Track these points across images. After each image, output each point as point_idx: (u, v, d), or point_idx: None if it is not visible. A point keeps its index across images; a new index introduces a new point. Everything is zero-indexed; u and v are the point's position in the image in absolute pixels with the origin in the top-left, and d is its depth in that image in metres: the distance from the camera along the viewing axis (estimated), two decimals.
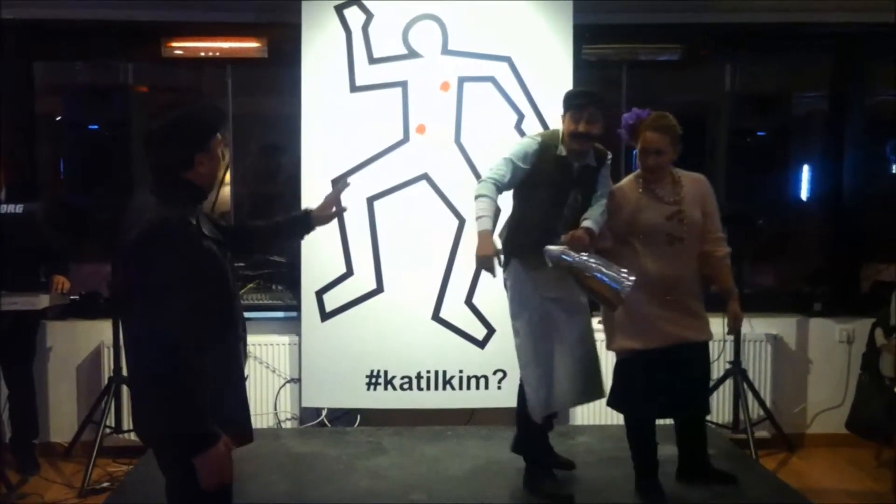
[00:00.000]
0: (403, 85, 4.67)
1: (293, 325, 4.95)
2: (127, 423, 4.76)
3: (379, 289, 4.71)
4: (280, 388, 5.02)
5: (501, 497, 3.79)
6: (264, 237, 2.95)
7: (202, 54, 5.24)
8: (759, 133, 4.76)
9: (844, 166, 5.43)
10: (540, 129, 4.39)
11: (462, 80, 4.68)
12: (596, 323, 3.84)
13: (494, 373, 4.72)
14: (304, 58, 4.67)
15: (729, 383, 4.98)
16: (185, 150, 2.37)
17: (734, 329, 3.86)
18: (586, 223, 3.53)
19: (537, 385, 3.61)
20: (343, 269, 4.70)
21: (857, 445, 4.95)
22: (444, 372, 4.73)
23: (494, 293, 4.50)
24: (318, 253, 4.69)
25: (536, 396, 3.62)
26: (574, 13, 4.70)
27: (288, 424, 5.02)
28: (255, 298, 5.21)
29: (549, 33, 4.70)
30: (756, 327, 5.08)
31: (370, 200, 4.69)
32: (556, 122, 3.69)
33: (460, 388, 4.74)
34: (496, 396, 4.72)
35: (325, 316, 4.71)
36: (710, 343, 3.75)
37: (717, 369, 4.82)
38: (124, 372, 4.45)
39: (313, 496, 3.80)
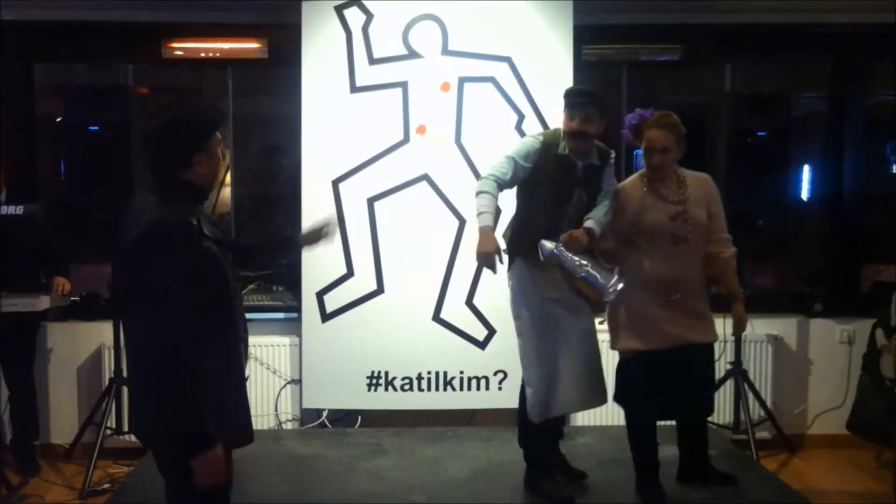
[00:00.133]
0: (403, 85, 4.67)
1: (294, 326, 4.94)
2: (127, 424, 4.76)
3: (379, 290, 4.71)
4: (281, 390, 5.01)
5: (502, 498, 3.79)
6: (248, 256, 2.99)
7: (202, 55, 5.23)
8: (759, 133, 4.76)
9: (844, 167, 5.43)
10: (540, 130, 4.38)
11: (462, 81, 4.68)
12: (598, 323, 3.84)
13: (495, 374, 4.72)
14: (305, 58, 4.67)
15: (730, 384, 4.97)
16: (184, 150, 2.37)
17: (739, 332, 3.84)
18: (588, 223, 3.52)
19: (538, 386, 3.61)
20: (343, 270, 4.70)
21: (857, 446, 4.94)
22: (445, 373, 4.72)
23: (495, 294, 4.51)
24: (319, 254, 4.64)
25: (537, 397, 3.61)
26: (574, 13, 4.70)
27: (288, 426, 5.02)
28: (256, 299, 5.21)
29: (550, 33, 4.70)
30: (757, 328, 5.08)
31: (370, 201, 4.69)
32: (557, 122, 3.69)
33: (461, 389, 4.73)
34: (497, 397, 4.72)
35: (325, 317, 4.71)
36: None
37: (718, 370, 4.79)
38: (125, 373, 4.45)
39: (314, 497, 3.79)
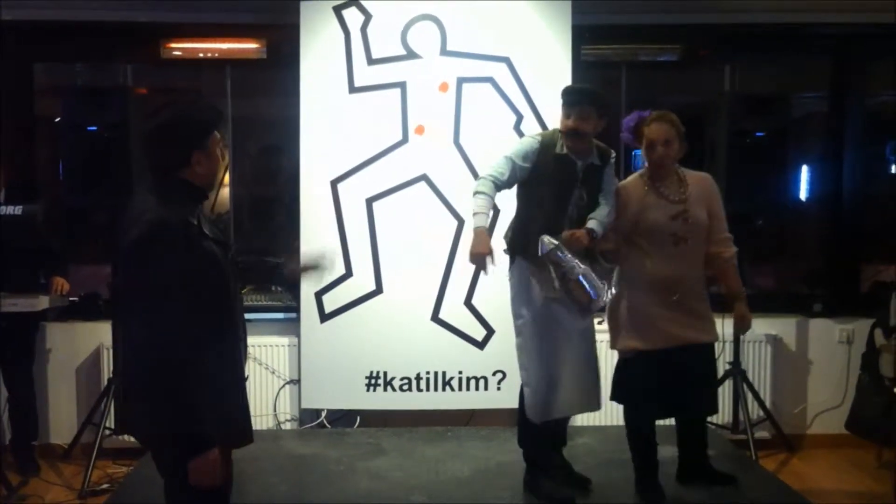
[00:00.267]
0: (402, 86, 4.67)
1: (292, 326, 4.94)
2: (117, 424, 4.73)
3: (378, 290, 4.71)
4: (279, 390, 5.01)
5: (502, 498, 3.79)
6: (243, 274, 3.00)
7: (201, 55, 5.23)
8: (758, 134, 4.77)
9: (844, 167, 5.42)
10: (539, 130, 4.38)
11: (461, 81, 4.68)
12: (597, 324, 3.84)
13: (494, 374, 4.72)
14: (303, 59, 4.68)
15: (729, 384, 4.97)
16: (182, 149, 2.36)
17: (742, 331, 3.82)
18: (590, 224, 3.52)
19: (537, 386, 3.60)
20: (342, 271, 4.70)
21: (856, 446, 4.95)
22: (444, 373, 4.72)
23: (494, 294, 4.51)
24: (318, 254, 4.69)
25: (536, 397, 3.61)
26: (573, 13, 4.70)
27: (287, 426, 5.02)
28: (255, 299, 5.21)
29: (548, 34, 4.70)
30: (756, 328, 4.99)
31: (369, 201, 4.69)
32: (556, 122, 3.68)
33: (460, 389, 4.73)
34: (496, 397, 4.72)
35: (324, 317, 4.71)
36: None
37: (717, 370, 4.81)
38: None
39: (313, 497, 3.79)
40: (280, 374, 5.02)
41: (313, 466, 4.21)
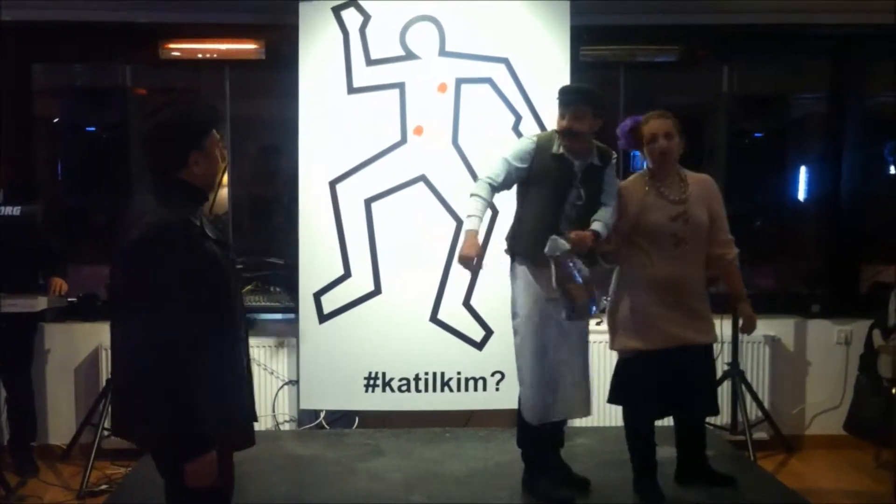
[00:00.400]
0: (401, 86, 4.67)
1: (291, 326, 4.94)
2: (112, 425, 4.72)
3: (377, 290, 4.71)
4: (278, 390, 5.01)
5: (500, 498, 3.79)
6: None
7: (200, 56, 5.22)
8: (757, 134, 4.77)
9: (843, 167, 5.42)
10: (537, 131, 4.38)
11: (459, 82, 4.68)
12: (595, 324, 3.84)
13: (492, 374, 4.72)
14: (302, 59, 4.67)
15: (727, 385, 4.97)
16: (179, 149, 2.34)
17: (748, 332, 3.82)
18: (595, 226, 3.52)
19: (536, 387, 3.60)
20: (341, 271, 4.70)
21: (855, 447, 4.95)
22: (443, 374, 4.72)
23: (492, 295, 4.52)
24: (316, 255, 4.70)
25: (534, 399, 3.61)
26: (571, 14, 4.70)
27: (286, 426, 5.02)
28: (254, 300, 5.20)
29: (547, 34, 4.70)
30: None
31: (368, 202, 4.69)
32: (554, 123, 3.69)
33: (458, 389, 4.73)
34: (494, 398, 4.72)
35: (323, 318, 4.71)
36: None
37: (717, 371, 4.81)
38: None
39: (313, 498, 3.79)
40: (278, 374, 5.02)
41: (312, 467, 4.21)
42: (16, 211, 4.56)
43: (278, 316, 5.13)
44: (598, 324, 3.83)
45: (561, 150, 3.57)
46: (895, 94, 5.55)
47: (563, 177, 3.57)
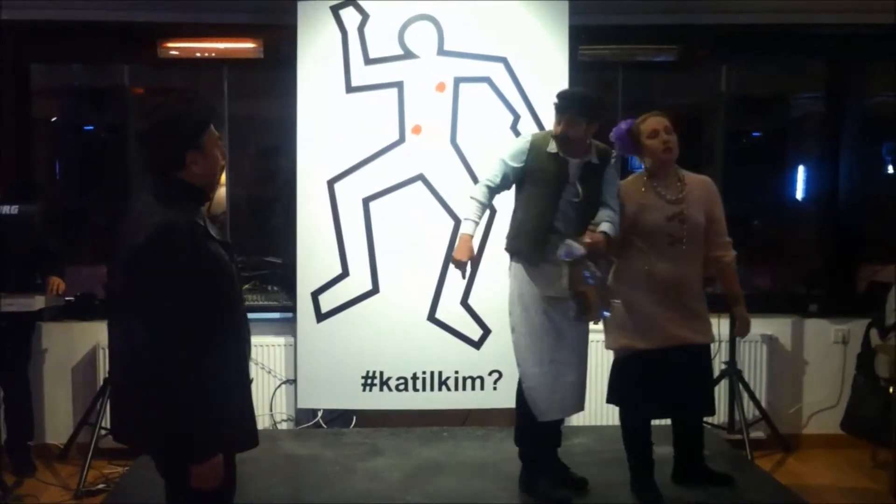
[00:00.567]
0: (399, 85, 4.67)
1: (289, 326, 4.94)
2: (113, 426, 4.71)
3: (374, 290, 4.71)
4: (276, 390, 5.01)
5: (498, 498, 3.79)
6: None
7: (198, 55, 5.22)
8: (755, 134, 4.78)
9: (841, 167, 5.42)
10: (535, 130, 4.39)
11: (458, 81, 4.68)
12: (592, 323, 3.84)
13: (490, 373, 4.72)
14: (300, 59, 4.67)
15: (724, 384, 4.97)
16: (176, 149, 2.30)
17: (742, 335, 3.82)
18: (604, 227, 3.50)
19: (538, 385, 3.61)
20: (339, 270, 4.70)
21: (852, 446, 4.95)
22: (440, 373, 4.72)
23: (490, 294, 4.52)
24: (314, 254, 4.69)
25: (537, 394, 3.61)
26: (570, 14, 4.70)
27: (283, 426, 5.02)
28: (251, 299, 5.20)
29: (545, 34, 4.70)
30: (752, 328, 5.06)
31: (366, 201, 4.68)
32: (552, 123, 3.68)
33: (456, 389, 4.73)
34: (492, 397, 4.72)
35: (320, 317, 4.70)
36: None
37: (714, 370, 4.81)
38: None
39: (312, 498, 3.79)
40: (276, 373, 5.02)
41: (310, 467, 4.21)
42: (14, 210, 4.54)
43: (276, 315, 5.12)
44: (595, 322, 3.82)
45: (555, 149, 3.57)
46: (894, 95, 5.55)
47: (557, 174, 3.57)
